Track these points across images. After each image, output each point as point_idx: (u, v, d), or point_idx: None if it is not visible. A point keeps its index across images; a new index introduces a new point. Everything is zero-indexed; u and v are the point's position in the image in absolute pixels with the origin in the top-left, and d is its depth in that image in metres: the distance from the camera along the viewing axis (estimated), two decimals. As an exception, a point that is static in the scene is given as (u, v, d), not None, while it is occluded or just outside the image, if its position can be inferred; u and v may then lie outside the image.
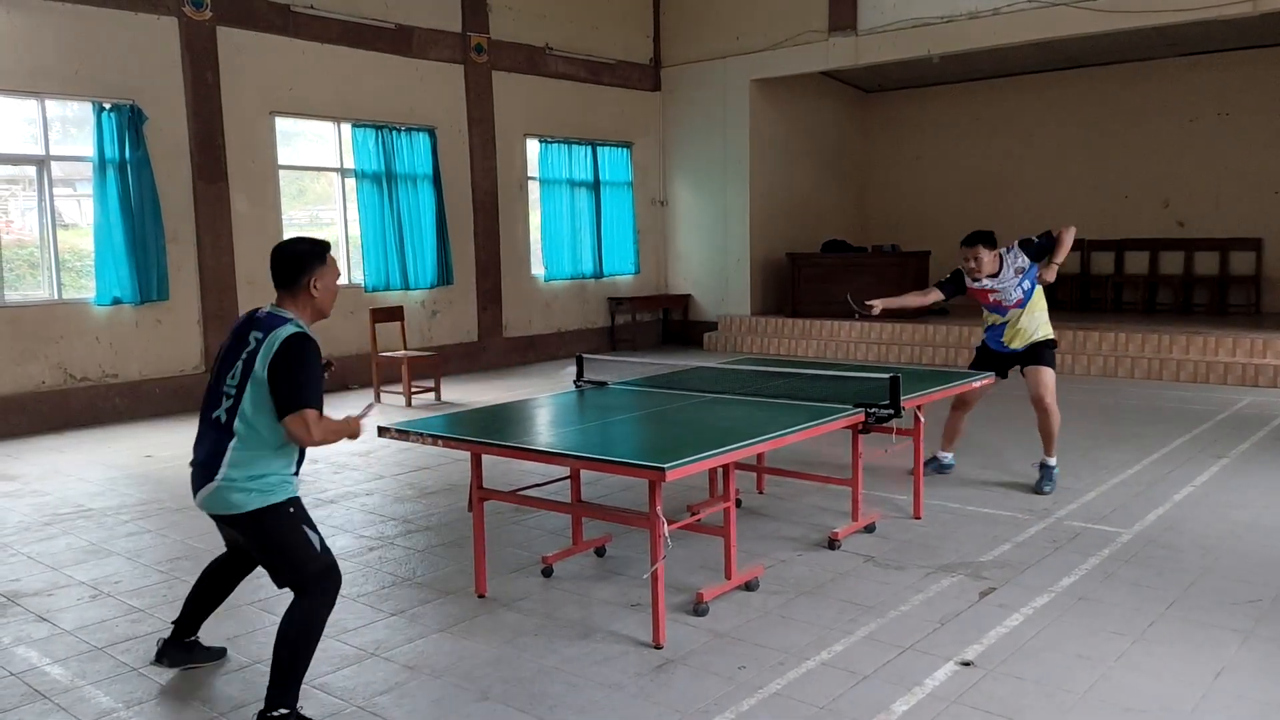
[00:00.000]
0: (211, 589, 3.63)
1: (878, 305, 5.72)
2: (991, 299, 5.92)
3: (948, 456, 6.42)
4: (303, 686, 3.50)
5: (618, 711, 3.27)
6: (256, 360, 3.12)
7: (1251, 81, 12.47)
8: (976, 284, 5.90)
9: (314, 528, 3.27)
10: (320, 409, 3.14)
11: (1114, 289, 13.46)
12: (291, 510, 3.21)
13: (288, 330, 3.15)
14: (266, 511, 3.16)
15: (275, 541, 3.20)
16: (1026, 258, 5.82)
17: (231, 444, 3.14)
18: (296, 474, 3.29)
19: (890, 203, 15.65)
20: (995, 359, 6.09)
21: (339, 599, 3.31)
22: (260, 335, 3.16)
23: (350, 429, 3.27)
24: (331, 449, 7.59)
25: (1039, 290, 5.93)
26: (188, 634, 3.65)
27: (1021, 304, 5.87)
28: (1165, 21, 10.31)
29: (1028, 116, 14.21)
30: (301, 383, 3.10)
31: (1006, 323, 5.96)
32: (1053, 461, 5.98)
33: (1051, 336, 6.00)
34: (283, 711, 3.11)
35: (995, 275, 5.86)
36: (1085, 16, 10.64)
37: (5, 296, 8.66)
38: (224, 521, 3.29)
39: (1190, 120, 12.93)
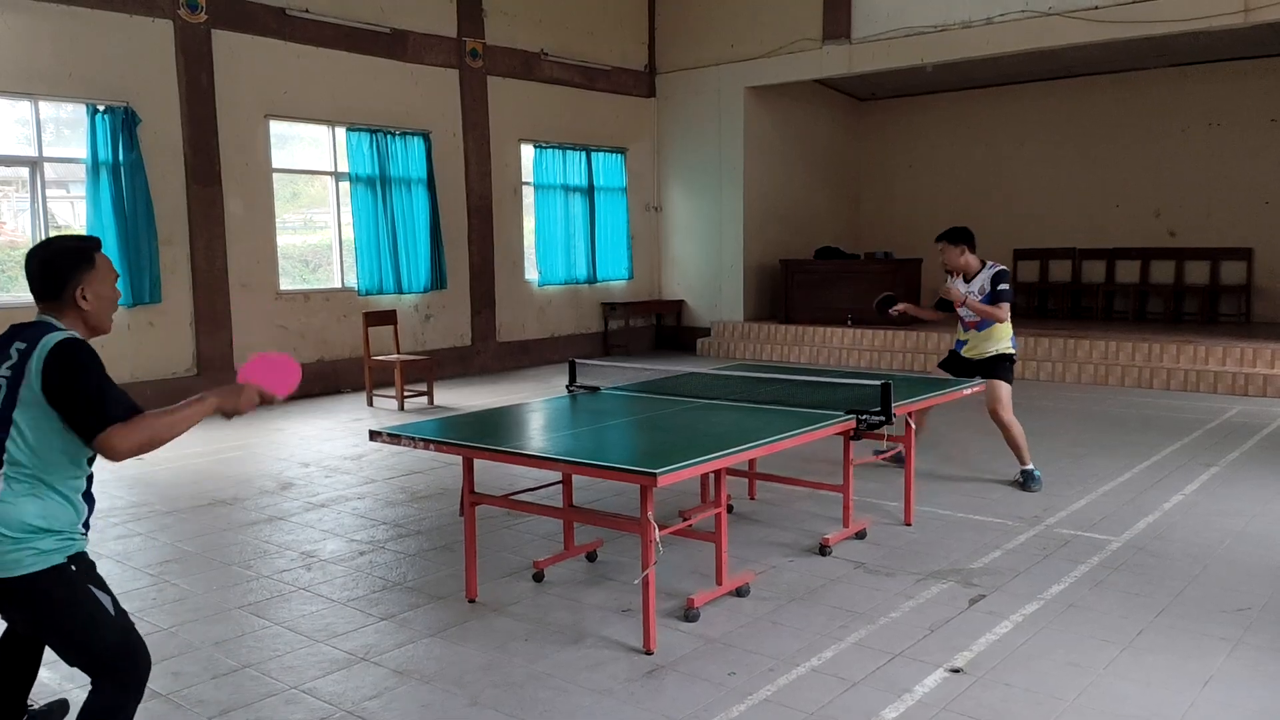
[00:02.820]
0: (9, 673, 2.87)
1: (903, 308, 6.47)
2: (963, 308, 6.31)
3: (1029, 466, 6.20)
4: (289, 691, 3.50)
5: (608, 717, 3.27)
6: (25, 377, 2.53)
7: (1242, 92, 12.54)
8: (955, 285, 6.32)
9: (104, 587, 2.61)
10: (124, 414, 2.51)
11: (1105, 297, 13.51)
12: (74, 568, 2.56)
13: (56, 336, 2.55)
14: (44, 575, 2.50)
15: (58, 611, 2.53)
16: (990, 287, 6.17)
17: None
18: (86, 522, 2.67)
19: (884, 210, 15.69)
20: (958, 363, 6.47)
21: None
22: (24, 346, 2.56)
23: (203, 410, 2.64)
24: (325, 452, 7.57)
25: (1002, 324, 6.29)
26: None
27: (979, 327, 6.27)
28: (1157, 32, 10.37)
29: (1020, 125, 14.27)
30: (95, 392, 2.50)
31: (968, 337, 6.40)
32: (1030, 466, 6.18)
33: (1009, 352, 6.30)
34: None
35: (970, 279, 6.30)
36: (1078, 26, 10.69)
37: (-3, 298, 8.65)
38: None
39: (1182, 130, 12.99)
